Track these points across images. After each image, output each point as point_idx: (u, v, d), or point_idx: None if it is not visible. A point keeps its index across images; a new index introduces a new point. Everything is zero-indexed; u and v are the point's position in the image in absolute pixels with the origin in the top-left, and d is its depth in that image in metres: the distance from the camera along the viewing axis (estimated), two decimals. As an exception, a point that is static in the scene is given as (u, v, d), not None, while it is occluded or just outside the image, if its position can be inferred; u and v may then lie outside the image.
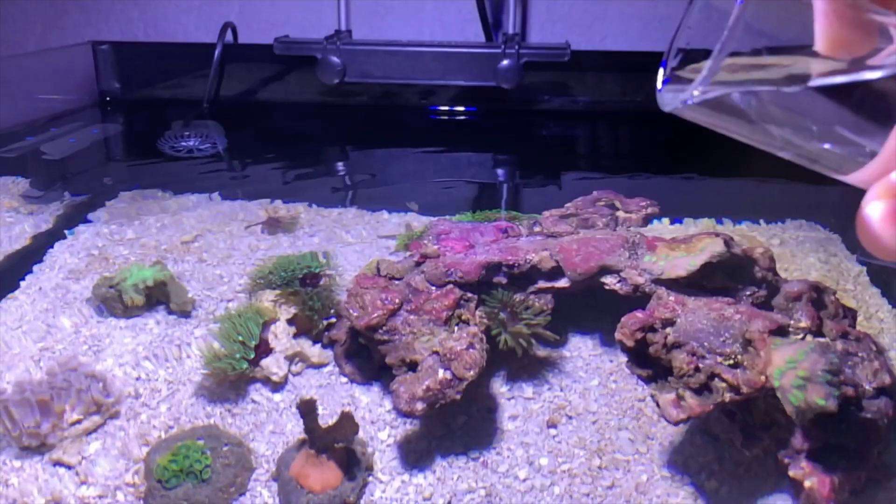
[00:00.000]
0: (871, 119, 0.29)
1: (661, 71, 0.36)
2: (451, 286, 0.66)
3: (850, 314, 0.65)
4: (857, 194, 0.28)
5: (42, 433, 0.60)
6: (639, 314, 0.58)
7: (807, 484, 0.52)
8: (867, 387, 0.55)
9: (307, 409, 0.55)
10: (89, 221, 1.05)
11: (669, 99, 0.35)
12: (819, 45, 0.28)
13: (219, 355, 0.66)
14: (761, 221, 1.04)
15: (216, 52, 1.59)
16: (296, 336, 0.72)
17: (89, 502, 0.57)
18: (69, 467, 0.59)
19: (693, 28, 0.36)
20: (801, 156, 0.32)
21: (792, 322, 0.60)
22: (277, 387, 0.68)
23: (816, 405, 0.49)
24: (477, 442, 0.62)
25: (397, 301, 0.65)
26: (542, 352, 0.72)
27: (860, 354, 0.57)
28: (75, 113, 1.64)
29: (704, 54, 0.34)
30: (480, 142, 1.55)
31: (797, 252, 0.95)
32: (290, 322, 0.72)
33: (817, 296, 0.63)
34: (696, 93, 0.31)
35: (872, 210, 0.26)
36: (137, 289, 0.78)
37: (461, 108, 1.66)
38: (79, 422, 0.62)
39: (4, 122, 1.44)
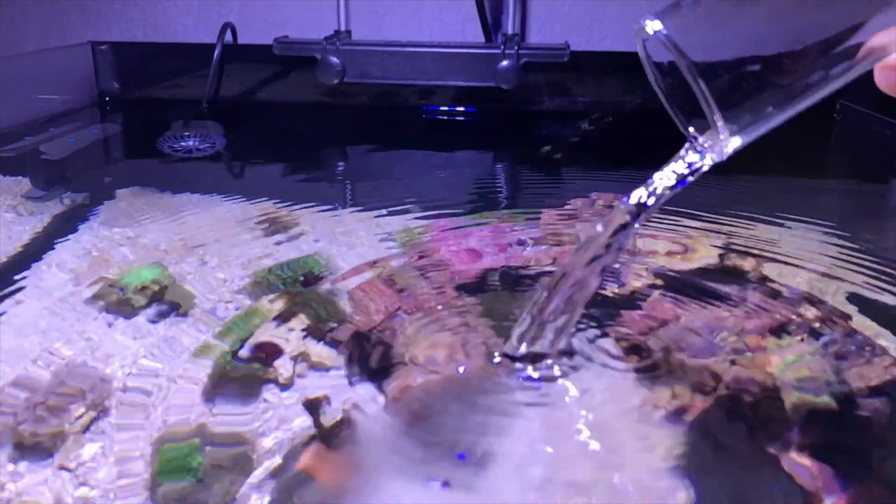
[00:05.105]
0: None
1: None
2: (450, 288, 0.67)
3: (849, 314, 0.66)
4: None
5: (42, 431, 0.60)
6: (636, 315, 0.59)
7: (810, 486, 0.52)
8: (864, 386, 0.55)
9: (314, 407, 0.55)
10: (89, 221, 1.05)
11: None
12: None
13: (217, 352, 0.66)
14: (760, 220, 1.04)
15: (215, 53, 1.59)
16: (297, 335, 0.72)
17: (88, 501, 0.57)
18: (70, 470, 0.59)
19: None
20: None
21: (790, 321, 0.60)
22: (282, 386, 0.68)
23: (815, 403, 0.49)
24: (477, 441, 0.62)
25: (397, 304, 0.65)
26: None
27: (860, 355, 0.57)
28: (75, 113, 1.64)
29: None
30: (480, 141, 1.56)
31: (798, 252, 0.95)
32: (286, 320, 0.72)
33: (817, 296, 0.64)
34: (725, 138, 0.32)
35: None
36: (138, 289, 0.79)
37: (461, 109, 1.66)
38: (79, 419, 0.62)
39: (4, 122, 1.44)
